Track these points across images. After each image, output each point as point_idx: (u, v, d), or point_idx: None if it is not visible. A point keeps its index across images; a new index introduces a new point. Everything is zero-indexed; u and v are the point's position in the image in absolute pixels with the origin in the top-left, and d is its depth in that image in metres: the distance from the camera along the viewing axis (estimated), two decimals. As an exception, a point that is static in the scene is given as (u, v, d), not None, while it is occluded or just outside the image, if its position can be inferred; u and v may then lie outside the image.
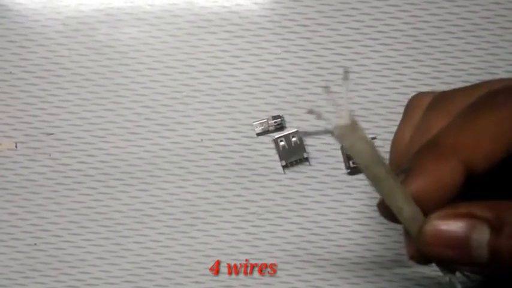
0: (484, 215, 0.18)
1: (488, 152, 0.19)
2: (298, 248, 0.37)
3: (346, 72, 0.19)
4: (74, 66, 0.37)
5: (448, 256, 0.19)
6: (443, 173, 0.19)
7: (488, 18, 0.36)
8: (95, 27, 0.37)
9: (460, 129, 0.19)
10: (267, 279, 0.37)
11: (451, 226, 0.18)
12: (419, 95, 0.25)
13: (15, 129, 0.37)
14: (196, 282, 0.37)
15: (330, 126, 0.18)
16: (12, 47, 0.37)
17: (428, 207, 0.19)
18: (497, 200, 0.19)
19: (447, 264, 0.20)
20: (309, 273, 0.36)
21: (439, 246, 0.19)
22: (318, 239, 0.37)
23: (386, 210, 0.20)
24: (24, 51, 0.37)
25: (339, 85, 0.36)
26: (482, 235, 0.18)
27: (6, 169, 0.37)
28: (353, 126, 0.18)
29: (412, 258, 0.21)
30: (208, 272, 0.37)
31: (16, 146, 0.37)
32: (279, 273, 0.37)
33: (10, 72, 0.37)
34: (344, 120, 0.18)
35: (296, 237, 0.37)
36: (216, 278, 0.37)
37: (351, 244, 0.37)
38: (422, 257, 0.20)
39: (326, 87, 0.19)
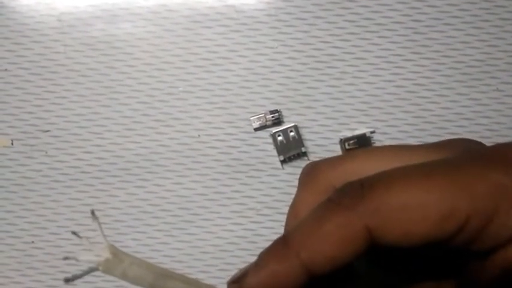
0: None
1: (330, 257, 0.18)
2: (297, 244, 0.36)
3: (93, 213, 0.19)
4: (70, 63, 0.37)
5: None
6: (281, 273, 0.19)
7: (488, 9, 0.36)
8: (90, 23, 0.37)
9: (308, 228, 0.19)
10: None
11: None
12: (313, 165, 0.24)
13: (11, 127, 0.37)
14: (195, 278, 0.36)
15: (93, 265, 0.18)
16: (7, 44, 0.37)
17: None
18: None
19: None
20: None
21: None
22: (317, 235, 0.36)
23: None
24: (19, 48, 0.37)
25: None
26: None
27: (2, 166, 0.37)
28: (115, 257, 0.18)
29: None
30: (206, 268, 0.37)
31: (12, 143, 0.37)
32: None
33: (5, 69, 0.37)
34: (104, 255, 0.18)
35: (295, 233, 0.36)
36: (214, 275, 0.36)
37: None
38: None
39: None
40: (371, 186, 0.18)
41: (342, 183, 0.19)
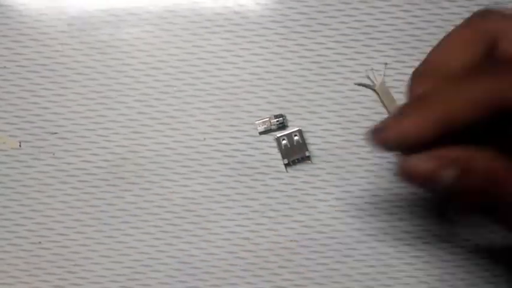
0: (453, 156, 0.23)
1: (470, 117, 0.22)
2: (301, 246, 0.37)
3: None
4: (78, 66, 0.38)
5: (420, 183, 0.23)
6: (424, 123, 0.22)
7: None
8: (98, 27, 0.38)
9: (457, 87, 0.22)
10: (269, 277, 0.37)
11: (422, 165, 0.23)
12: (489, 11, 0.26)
13: (19, 129, 0.38)
14: (200, 279, 0.37)
15: None
16: (16, 47, 0.38)
17: (411, 146, 0.23)
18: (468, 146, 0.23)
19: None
20: (311, 271, 0.37)
21: (413, 178, 0.23)
22: (321, 237, 0.37)
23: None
24: (29, 51, 0.38)
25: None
26: (448, 175, 0.23)
27: (10, 168, 0.38)
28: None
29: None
30: (211, 269, 0.37)
31: (20, 145, 0.38)
32: (281, 270, 0.37)
33: (13, 72, 0.38)
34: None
35: (299, 235, 0.37)
36: (218, 276, 0.37)
37: (354, 242, 0.37)
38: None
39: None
40: None
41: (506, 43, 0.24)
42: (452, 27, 0.26)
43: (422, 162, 0.23)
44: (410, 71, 0.37)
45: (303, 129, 0.37)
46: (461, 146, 0.23)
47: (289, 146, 0.37)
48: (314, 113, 0.37)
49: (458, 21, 0.24)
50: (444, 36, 0.25)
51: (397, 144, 0.23)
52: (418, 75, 0.26)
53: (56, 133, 0.38)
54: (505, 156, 0.23)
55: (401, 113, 0.23)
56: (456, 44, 0.25)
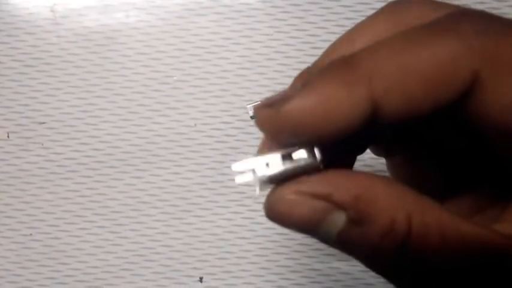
0: (342, 200, 0.15)
1: (414, 99, 0.15)
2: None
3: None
4: (63, 54, 0.37)
5: (294, 229, 0.16)
6: (342, 99, 0.15)
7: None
8: (83, 13, 0.37)
9: (392, 55, 0.15)
10: (264, 263, 0.36)
11: (303, 208, 0.16)
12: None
13: (6, 119, 0.37)
14: (194, 268, 0.36)
15: None
16: (0, 36, 0.37)
17: (312, 137, 0.15)
18: (370, 177, 0.16)
19: None
20: (307, 257, 0.36)
21: (286, 223, 0.16)
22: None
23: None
24: (12, 40, 0.37)
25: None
26: (334, 223, 0.16)
27: (-2, 160, 0.37)
28: None
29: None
30: (205, 257, 0.36)
31: (8, 136, 0.37)
32: (276, 256, 0.36)
33: (0, 63, 0.37)
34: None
35: (293, 221, 0.36)
36: (212, 264, 0.36)
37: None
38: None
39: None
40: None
41: None
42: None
43: (300, 197, 0.16)
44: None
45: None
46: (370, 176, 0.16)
47: (282, 129, 0.36)
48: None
49: None
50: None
51: (302, 129, 0.15)
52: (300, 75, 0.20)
53: (44, 123, 0.37)
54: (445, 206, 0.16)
55: (319, 77, 0.15)
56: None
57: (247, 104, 0.36)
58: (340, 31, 0.36)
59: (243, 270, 0.36)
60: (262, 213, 0.36)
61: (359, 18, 0.36)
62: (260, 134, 0.34)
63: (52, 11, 0.37)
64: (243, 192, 0.36)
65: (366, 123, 0.15)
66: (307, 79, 0.16)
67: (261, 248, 0.36)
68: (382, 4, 0.20)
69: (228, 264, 0.36)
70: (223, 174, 0.36)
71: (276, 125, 0.15)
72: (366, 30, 0.19)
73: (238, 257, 0.36)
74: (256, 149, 0.36)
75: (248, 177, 0.17)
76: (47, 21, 0.37)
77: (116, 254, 0.37)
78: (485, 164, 0.19)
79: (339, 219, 0.15)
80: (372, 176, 0.16)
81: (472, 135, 0.17)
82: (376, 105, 0.15)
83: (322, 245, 0.36)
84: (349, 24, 0.36)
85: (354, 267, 0.36)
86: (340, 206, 0.15)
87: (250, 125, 0.36)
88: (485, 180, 0.19)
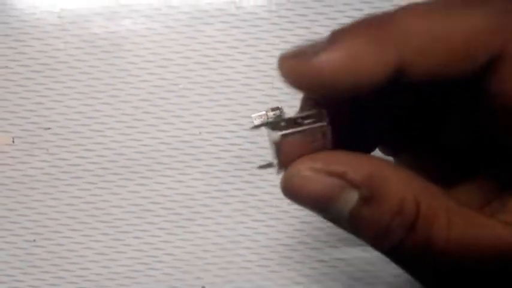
0: (356, 179, 0.16)
1: (440, 66, 0.15)
2: (300, 243, 0.36)
3: None
4: (70, 60, 0.37)
5: (308, 207, 0.17)
6: (371, 56, 0.15)
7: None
8: (90, 20, 0.37)
9: (427, 20, 0.15)
10: (267, 274, 0.36)
11: (318, 184, 0.16)
12: None
13: (12, 124, 0.37)
14: (197, 277, 0.36)
15: None
16: (7, 41, 0.37)
17: (335, 91, 0.16)
18: (381, 160, 0.17)
19: None
20: (310, 268, 0.36)
21: (300, 199, 0.17)
22: (319, 234, 0.36)
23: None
24: (19, 45, 0.37)
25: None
26: (347, 201, 0.16)
27: (3, 164, 0.37)
28: None
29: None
30: (208, 267, 0.36)
31: (13, 141, 0.37)
32: (279, 267, 0.36)
33: (6, 67, 0.37)
34: None
35: (297, 231, 0.36)
36: (215, 273, 0.36)
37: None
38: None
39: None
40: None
41: None
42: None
43: (315, 174, 0.16)
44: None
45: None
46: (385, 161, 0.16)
47: (287, 139, 0.36)
48: (312, 105, 0.36)
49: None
50: None
51: (327, 82, 0.15)
52: None
53: (49, 128, 0.37)
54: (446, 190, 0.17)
55: (350, 31, 0.15)
56: None
57: (252, 114, 0.36)
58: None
59: (245, 280, 0.36)
60: (266, 223, 0.37)
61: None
62: (267, 143, 0.34)
63: (59, 16, 0.37)
64: (247, 202, 0.36)
65: (389, 83, 0.15)
66: (338, 32, 0.16)
67: (264, 259, 0.36)
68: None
69: (230, 274, 0.36)
70: (228, 183, 0.36)
71: (302, 76, 0.16)
72: None
73: (241, 267, 0.36)
74: (262, 158, 0.36)
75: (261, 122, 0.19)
76: (54, 27, 0.37)
77: (119, 262, 0.37)
78: (491, 153, 0.19)
79: (352, 198, 0.16)
80: (382, 159, 0.17)
81: (483, 121, 0.17)
82: (403, 67, 0.15)
83: (325, 257, 0.35)
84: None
85: (358, 281, 0.36)
86: (353, 184, 0.16)
87: (255, 134, 0.36)
88: (490, 172, 0.20)
